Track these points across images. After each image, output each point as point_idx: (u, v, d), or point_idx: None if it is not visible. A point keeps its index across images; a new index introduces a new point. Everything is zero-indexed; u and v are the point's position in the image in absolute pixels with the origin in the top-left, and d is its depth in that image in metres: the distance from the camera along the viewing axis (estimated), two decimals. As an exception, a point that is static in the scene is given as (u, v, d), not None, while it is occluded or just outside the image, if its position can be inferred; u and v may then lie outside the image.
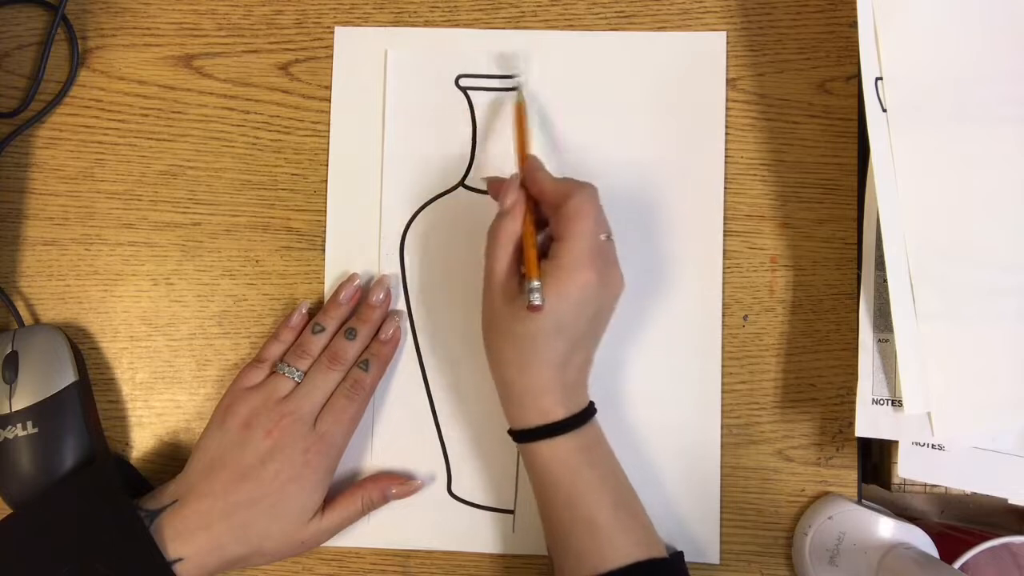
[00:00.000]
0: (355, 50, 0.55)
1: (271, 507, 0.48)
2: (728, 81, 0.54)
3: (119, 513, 0.46)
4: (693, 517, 0.52)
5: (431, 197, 0.55)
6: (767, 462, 0.53)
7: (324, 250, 0.55)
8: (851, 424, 0.51)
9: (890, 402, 0.49)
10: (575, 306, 0.45)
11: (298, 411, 0.49)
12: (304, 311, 0.53)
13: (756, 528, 0.53)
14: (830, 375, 0.53)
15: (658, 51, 0.54)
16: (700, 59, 0.54)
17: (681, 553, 0.49)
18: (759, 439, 0.53)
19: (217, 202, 0.55)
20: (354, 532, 0.53)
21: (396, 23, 0.55)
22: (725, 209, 0.54)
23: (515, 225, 0.47)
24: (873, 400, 0.49)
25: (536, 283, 0.44)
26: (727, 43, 0.54)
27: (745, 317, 0.53)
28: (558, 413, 0.46)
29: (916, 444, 0.49)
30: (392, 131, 0.55)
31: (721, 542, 0.52)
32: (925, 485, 0.51)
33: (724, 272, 0.53)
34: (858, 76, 0.52)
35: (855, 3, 0.48)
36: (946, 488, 0.51)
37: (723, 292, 0.53)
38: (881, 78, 0.49)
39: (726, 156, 0.54)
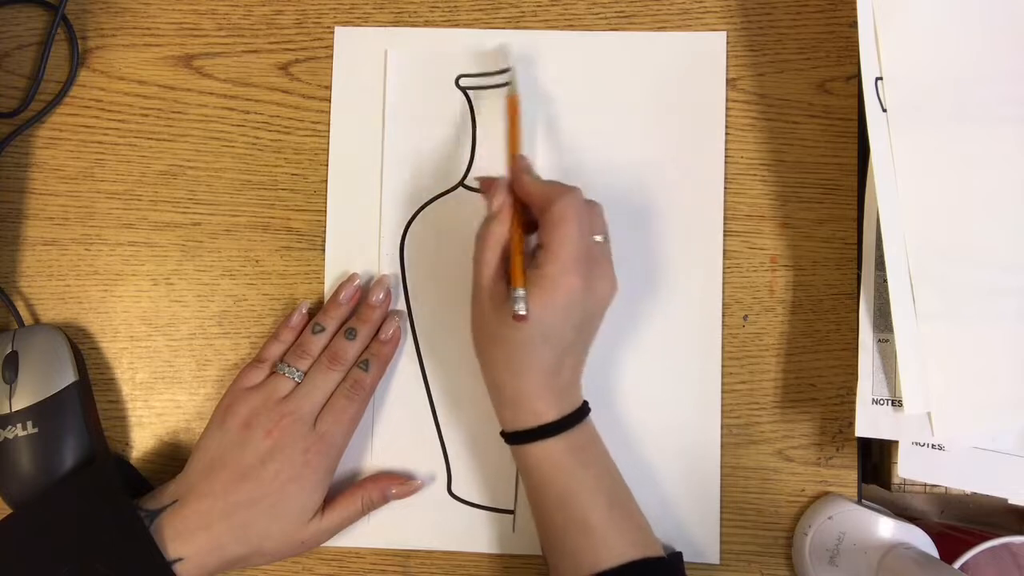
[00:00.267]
0: (355, 50, 0.55)
1: (271, 507, 0.48)
2: (728, 81, 0.54)
3: (119, 513, 0.46)
4: (693, 517, 0.52)
5: (431, 197, 0.55)
6: (767, 462, 0.53)
7: (324, 250, 0.55)
8: (851, 424, 0.51)
9: (890, 402, 0.49)
10: (561, 314, 0.44)
11: (298, 411, 0.49)
12: (304, 311, 0.53)
13: (756, 528, 0.53)
14: (830, 375, 0.53)
15: (658, 51, 0.54)
16: (700, 59, 0.54)
17: (679, 554, 0.49)
18: (759, 439, 0.53)
19: (217, 202, 0.55)
20: (354, 532, 0.53)
21: (396, 23, 0.55)
22: (725, 209, 0.54)
23: (502, 229, 0.47)
24: (873, 400, 0.49)
25: (521, 292, 0.44)
26: (727, 43, 0.54)
27: (745, 317, 0.53)
28: (550, 415, 0.46)
29: (916, 444, 0.49)
30: (392, 131, 0.55)
31: (721, 542, 0.52)
32: (925, 485, 0.51)
33: (724, 272, 0.53)
34: (858, 76, 0.52)
35: (855, 3, 0.48)
36: (946, 488, 0.51)
37: (723, 292, 0.53)
38: (881, 78, 0.49)
39: (726, 156, 0.54)
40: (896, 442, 0.50)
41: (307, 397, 0.50)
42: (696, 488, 0.52)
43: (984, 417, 0.48)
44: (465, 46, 0.55)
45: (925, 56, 0.49)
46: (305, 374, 0.50)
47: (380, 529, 0.53)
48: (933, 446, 0.49)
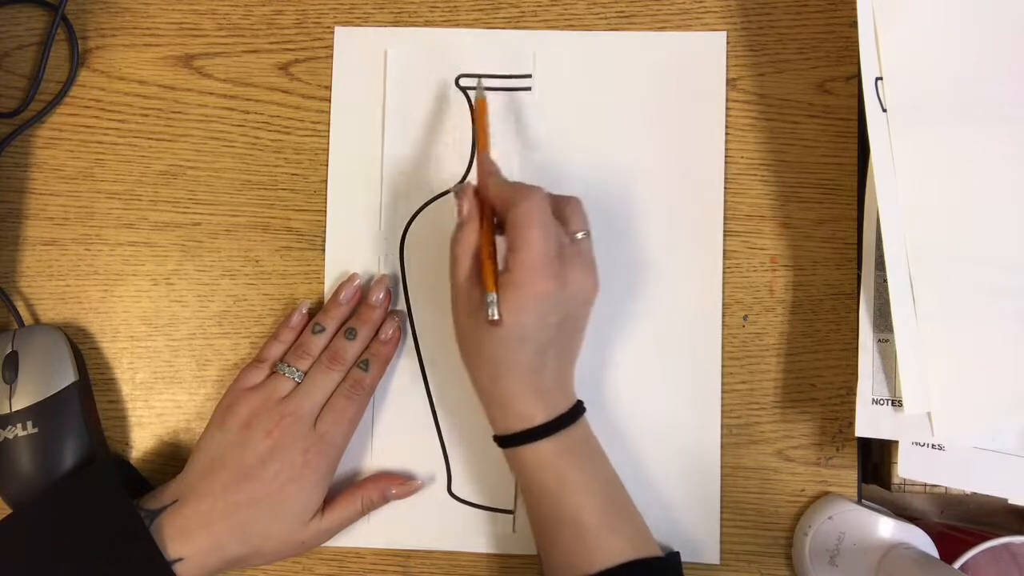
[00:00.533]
0: (355, 50, 0.55)
1: (271, 507, 0.48)
2: (728, 81, 0.54)
3: (119, 513, 0.46)
4: (693, 517, 0.52)
5: (431, 197, 0.55)
6: (767, 462, 0.53)
7: (324, 250, 0.55)
8: (851, 424, 0.51)
9: (890, 402, 0.49)
10: (535, 316, 0.44)
11: (298, 411, 0.49)
12: (304, 311, 0.53)
13: (756, 528, 0.53)
14: (830, 375, 0.53)
15: (658, 51, 0.54)
16: (700, 59, 0.54)
17: (677, 554, 0.49)
18: (759, 439, 0.53)
19: (217, 202, 0.55)
20: (354, 532, 0.53)
21: (396, 23, 0.55)
22: (725, 209, 0.54)
23: (472, 235, 0.47)
24: (873, 400, 0.49)
25: (493, 296, 0.44)
26: (727, 43, 0.54)
27: (745, 317, 0.53)
28: (538, 418, 0.45)
29: (916, 444, 0.49)
30: (392, 131, 0.55)
31: (721, 542, 0.52)
32: (925, 485, 0.51)
33: (724, 272, 0.53)
34: (858, 76, 0.52)
35: (855, 3, 0.48)
36: (946, 488, 0.51)
37: (723, 292, 0.53)
38: (881, 78, 0.49)
39: (726, 156, 0.54)
40: (896, 442, 0.50)
41: (307, 397, 0.50)
42: (696, 488, 0.52)
43: (984, 417, 0.48)
44: (465, 46, 0.55)
45: (925, 56, 0.49)
46: (305, 374, 0.50)
47: (380, 529, 0.53)
48: (933, 446, 0.49)
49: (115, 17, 0.57)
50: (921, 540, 0.49)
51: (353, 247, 0.55)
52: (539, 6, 0.55)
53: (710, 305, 0.53)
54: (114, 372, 0.55)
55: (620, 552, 0.45)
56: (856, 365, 0.49)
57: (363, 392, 0.51)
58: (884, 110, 0.48)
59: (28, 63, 0.57)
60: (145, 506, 0.47)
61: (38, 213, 0.56)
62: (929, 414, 0.48)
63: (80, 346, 0.55)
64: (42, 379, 0.51)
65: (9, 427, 0.50)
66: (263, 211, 0.55)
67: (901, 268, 0.48)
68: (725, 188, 0.54)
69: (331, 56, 0.55)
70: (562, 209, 0.48)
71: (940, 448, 0.49)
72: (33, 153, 0.56)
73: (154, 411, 0.55)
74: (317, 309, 0.54)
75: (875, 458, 0.54)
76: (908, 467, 0.49)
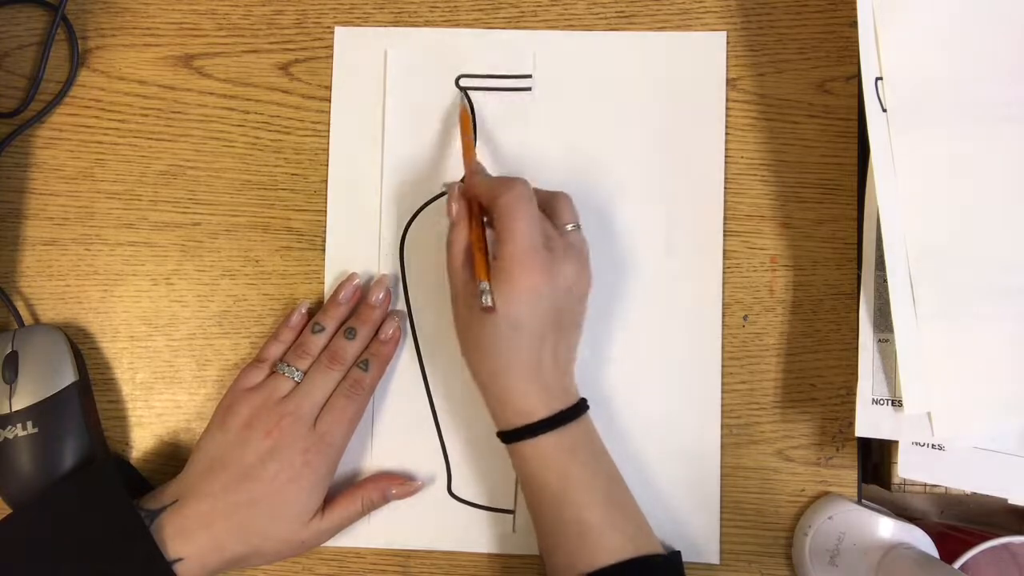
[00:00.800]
0: (355, 50, 0.55)
1: (271, 507, 0.48)
2: (728, 81, 0.54)
3: (119, 513, 0.46)
4: (693, 517, 0.52)
5: (431, 197, 0.55)
6: (767, 462, 0.53)
7: (324, 250, 0.55)
8: (851, 424, 0.51)
9: (890, 402, 0.49)
10: (527, 305, 0.45)
11: (298, 411, 0.49)
12: (304, 311, 0.53)
13: (756, 528, 0.53)
14: (830, 375, 0.53)
15: (658, 51, 0.54)
16: (700, 59, 0.54)
17: (678, 552, 0.49)
18: (759, 439, 0.53)
19: (217, 202, 0.55)
20: (354, 532, 0.53)
21: (396, 23, 0.55)
22: (725, 209, 0.54)
23: (463, 232, 0.48)
24: (873, 400, 0.49)
25: (485, 284, 0.45)
26: (727, 43, 0.54)
27: (745, 317, 0.53)
28: (539, 413, 0.46)
29: (916, 444, 0.49)
30: (392, 131, 0.55)
31: (721, 542, 0.52)
32: (925, 485, 0.51)
33: (724, 272, 0.53)
34: (858, 76, 0.52)
35: (855, 3, 0.48)
36: (946, 488, 0.51)
37: (723, 292, 0.53)
38: (881, 78, 0.49)
39: (726, 156, 0.54)
40: (896, 442, 0.50)
41: (307, 397, 0.50)
42: (696, 488, 0.52)
43: (984, 417, 0.48)
44: (465, 46, 0.55)
45: (925, 56, 0.49)
46: (305, 374, 0.50)
47: (380, 529, 0.53)
48: (933, 446, 0.49)
49: (115, 17, 0.57)
50: (921, 540, 0.49)
51: (353, 247, 0.55)
52: (539, 6, 0.55)
53: (710, 305, 0.53)
54: (114, 372, 0.55)
55: (622, 550, 0.45)
56: (856, 365, 0.49)
57: (363, 392, 0.51)
58: (884, 110, 0.48)
59: (28, 63, 0.57)
60: (145, 506, 0.47)
61: (38, 213, 0.56)
62: (929, 414, 0.48)
63: (80, 346, 0.55)
64: (42, 379, 0.51)
65: (9, 427, 0.50)
66: (263, 211, 0.55)
67: (901, 268, 0.48)
68: (725, 188, 0.54)
69: (331, 56, 0.55)
70: (551, 202, 0.49)
71: (940, 448, 0.49)
72: (33, 153, 0.56)
73: (154, 411, 0.55)
74: (317, 309, 0.54)
75: (875, 458, 0.54)
76: (908, 467, 0.49)
